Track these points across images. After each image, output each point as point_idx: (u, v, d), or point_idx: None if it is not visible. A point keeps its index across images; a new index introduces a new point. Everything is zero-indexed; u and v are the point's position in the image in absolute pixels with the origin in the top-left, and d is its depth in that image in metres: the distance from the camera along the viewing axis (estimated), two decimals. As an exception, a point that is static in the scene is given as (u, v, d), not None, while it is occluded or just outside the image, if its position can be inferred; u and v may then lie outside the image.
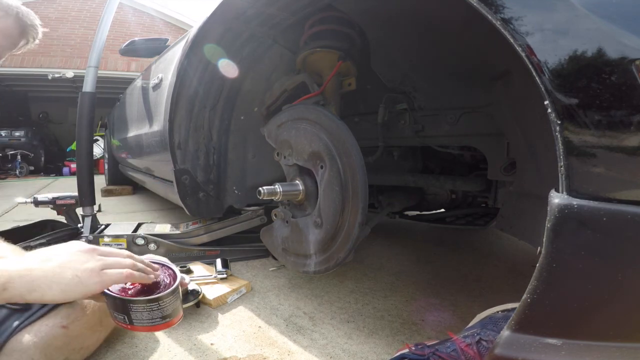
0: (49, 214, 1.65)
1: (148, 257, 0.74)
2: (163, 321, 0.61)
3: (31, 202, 1.55)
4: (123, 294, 0.60)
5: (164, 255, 1.39)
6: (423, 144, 1.25)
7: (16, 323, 0.69)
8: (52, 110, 8.32)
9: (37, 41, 0.68)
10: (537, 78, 0.42)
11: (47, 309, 0.73)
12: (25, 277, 0.48)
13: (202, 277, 1.19)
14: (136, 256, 0.64)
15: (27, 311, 0.71)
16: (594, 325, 0.46)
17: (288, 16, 1.05)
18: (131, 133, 2.09)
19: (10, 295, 0.47)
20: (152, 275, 0.63)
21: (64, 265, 0.51)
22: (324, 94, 1.02)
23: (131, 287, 0.64)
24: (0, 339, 0.66)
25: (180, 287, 0.67)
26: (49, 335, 0.70)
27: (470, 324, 0.78)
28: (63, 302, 0.58)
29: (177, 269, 0.71)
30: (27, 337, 0.68)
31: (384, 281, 1.30)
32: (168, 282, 0.67)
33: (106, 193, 3.56)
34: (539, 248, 0.44)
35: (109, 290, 0.59)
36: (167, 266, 0.72)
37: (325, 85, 1.00)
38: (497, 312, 0.76)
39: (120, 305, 0.59)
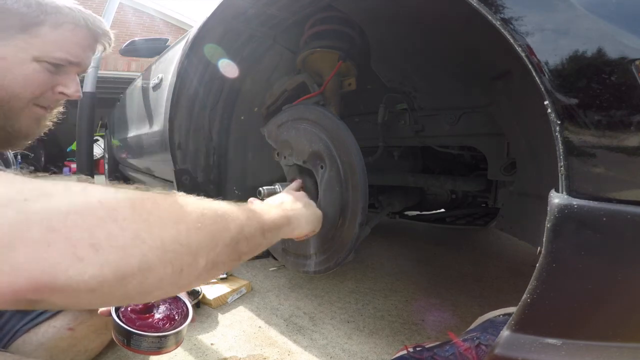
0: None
1: None
2: (159, 350, 0.64)
3: None
4: (130, 324, 0.64)
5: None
6: (423, 144, 1.25)
7: (21, 324, 0.69)
8: (52, 111, 8.31)
9: (110, 48, 0.69)
10: (537, 78, 0.42)
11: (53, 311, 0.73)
12: (293, 218, 0.60)
13: (202, 277, 1.19)
14: None
15: (28, 313, 0.71)
16: (594, 325, 0.46)
17: (288, 16, 1.05)
18: (131, 133, 2.09)
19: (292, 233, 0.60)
20: None
21: (305, 210, 0.66)
22: (324, 94, 1.02)
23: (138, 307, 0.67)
24: (5, 339, 0.66)
25: (187, 326, 0.68)
26: (55, 337, 0.70)
27: (471, 327, 0.78)
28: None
29: (190, 308, 0.71)
30: (34, 338, 0.69)
31: (384, 281, 1.30)
32: (178, 320, 0.68)
33: (106, 193, 3.55)
34: (539, 248, 0.44)
35: (117, 318, 0.64)
36: (182, 302, 0.72)
37: (325, 85, 1.00)
38: (499, 315, 0.75)
39: (123, 332, 0.63)
